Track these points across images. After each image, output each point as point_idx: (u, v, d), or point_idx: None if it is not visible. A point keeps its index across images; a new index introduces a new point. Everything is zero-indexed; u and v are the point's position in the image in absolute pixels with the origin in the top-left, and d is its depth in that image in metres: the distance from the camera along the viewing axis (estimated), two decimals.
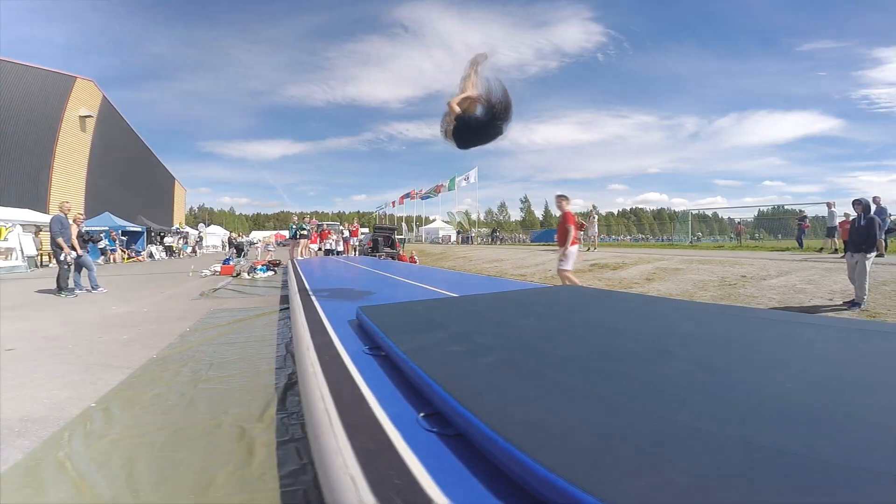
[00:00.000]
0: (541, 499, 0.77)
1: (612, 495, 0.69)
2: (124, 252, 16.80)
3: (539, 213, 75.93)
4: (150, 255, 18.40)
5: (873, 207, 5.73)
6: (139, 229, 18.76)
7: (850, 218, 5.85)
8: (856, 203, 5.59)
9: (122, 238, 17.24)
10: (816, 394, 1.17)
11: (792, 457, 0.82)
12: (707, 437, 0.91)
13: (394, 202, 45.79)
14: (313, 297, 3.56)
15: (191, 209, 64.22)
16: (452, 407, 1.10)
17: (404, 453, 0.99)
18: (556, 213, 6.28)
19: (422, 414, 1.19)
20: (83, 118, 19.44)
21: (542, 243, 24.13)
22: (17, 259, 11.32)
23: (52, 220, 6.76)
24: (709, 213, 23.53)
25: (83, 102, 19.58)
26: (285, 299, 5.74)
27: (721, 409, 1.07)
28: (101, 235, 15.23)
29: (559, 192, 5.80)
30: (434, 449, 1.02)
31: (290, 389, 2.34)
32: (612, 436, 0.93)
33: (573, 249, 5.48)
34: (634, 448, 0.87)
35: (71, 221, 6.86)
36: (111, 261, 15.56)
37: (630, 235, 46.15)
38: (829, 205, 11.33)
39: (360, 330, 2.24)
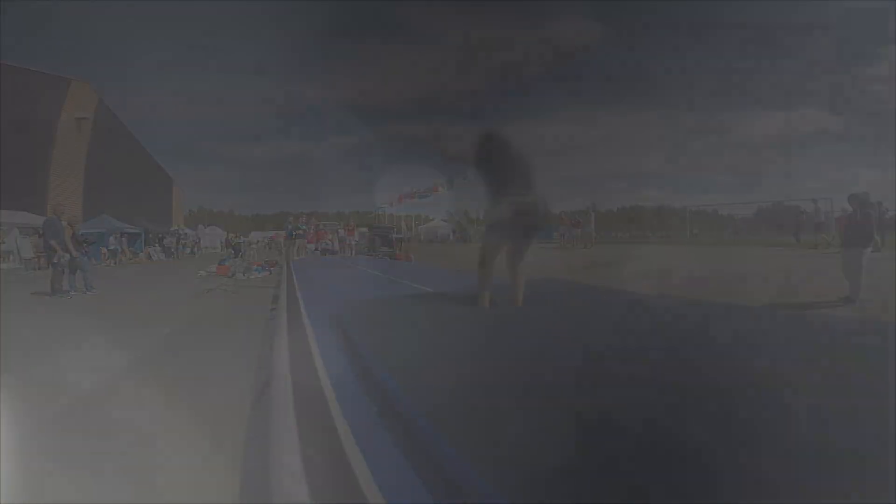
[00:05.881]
0: None
1: None
2: (125, 253, 16.84)
3: None
4: (149, 257, 18.43)
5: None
6: (137, 231, 18.76)
7: (847, 213, 5.81)
8: (852, 198, 5.54)
9: (122, 239, 17.26)
10: (788, 397, 1.15)
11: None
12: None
13: (391, 202, 45.57)
14: (299, 296, 3.56)
15: (189, 210, 64.26)
16: (402, 404, 1.09)
17: (350, 450, 0.98)
18: None
19: (375, 410, 1.18)
20: (80, 120, 19.46)
21: (540, 241, 24.06)
22: (14, 261, 11.35)
23: (44, 222, 6.77)
24: (708, 209, 23.45)
25: (80, 105, 19.60)
26: (277, 299, 5.74)
27: (669, 413, 1.06)
28: (107, 239, 15.28)
29: None
30: (382, 447, 1.01)
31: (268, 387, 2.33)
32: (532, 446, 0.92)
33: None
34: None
35: (65, 223, 6.86)
36: (118, 262, 15.57)
37: (629, 233, 46.01)
38: (814, 200, 11.36)
39: (338, 328, 2.23)
